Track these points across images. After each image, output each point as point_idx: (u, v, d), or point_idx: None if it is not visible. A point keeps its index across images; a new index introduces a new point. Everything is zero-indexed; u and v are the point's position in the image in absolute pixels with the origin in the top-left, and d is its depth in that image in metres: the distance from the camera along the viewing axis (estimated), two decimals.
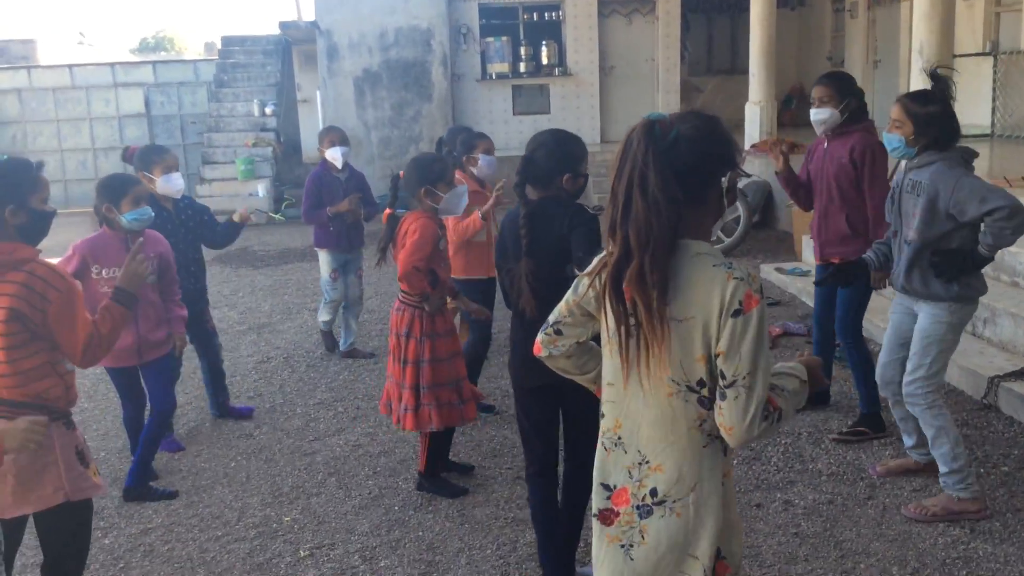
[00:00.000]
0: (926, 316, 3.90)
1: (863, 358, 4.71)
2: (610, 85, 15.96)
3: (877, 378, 4.21)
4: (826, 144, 4.76)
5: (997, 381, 5.01)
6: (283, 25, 15.57)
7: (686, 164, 2.01)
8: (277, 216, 14.55)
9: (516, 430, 3.85)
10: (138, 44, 57.47)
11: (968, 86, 12.16)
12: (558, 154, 3.29)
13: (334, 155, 6.37)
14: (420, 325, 4.22)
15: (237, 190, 14.91)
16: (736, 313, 1.94)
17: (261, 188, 14.84)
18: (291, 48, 17.29)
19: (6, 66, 18.51)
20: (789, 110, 16.77)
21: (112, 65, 18.53)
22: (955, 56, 11.93)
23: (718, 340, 1.97)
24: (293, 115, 17.55)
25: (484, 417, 5.22)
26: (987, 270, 6.11)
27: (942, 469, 3.92)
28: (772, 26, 11.61)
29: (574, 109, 15.75)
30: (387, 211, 4.44)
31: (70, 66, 18.45)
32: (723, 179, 2.09)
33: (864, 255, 4.16)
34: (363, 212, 6.49)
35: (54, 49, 24.18)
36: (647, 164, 1.96)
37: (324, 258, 6.53)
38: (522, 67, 15.68)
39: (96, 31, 60.94)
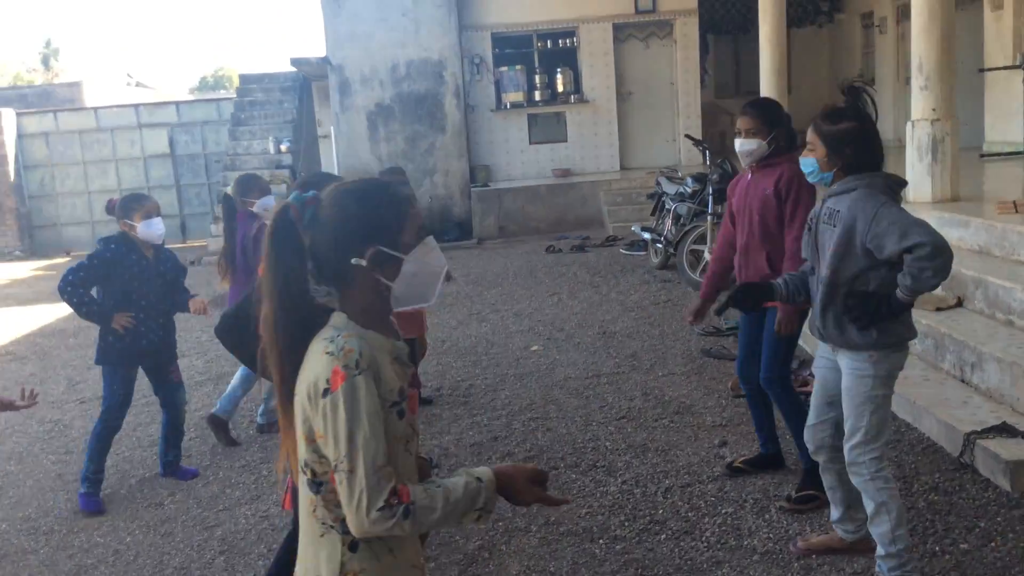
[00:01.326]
0: (848, 372, 3.41)
1: (795, 408, 4.24)
2: (628, 111, 15.55)
3: (807, 442, 3.71)
4: (750, 175, 4.32)
5: (974, 438, 4.44)
6: (295, 61, 15.49)
7: (322, 243, 1.94)
8: None
9: None
10: (198, 83, 58.98)
11: (998, 101, 11.50)
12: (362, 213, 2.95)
13: (266, 206, 5.91)
14: None
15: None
16: (325, 393, 1.82)
17: None
18: (310, 84, 17.25)
19: (32, 110, 18.79)
20: None
21: (136, 107, 18.73)
22: (980, 70, 11.34)
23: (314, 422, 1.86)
24: (314, 151, 17.47)
25: None
26: (981, 306, 5.62)
27: (879, 551, 3.41)
28: (782, 45, 11.08)
29: (592, 136, 15.36)
30: None
31: (95, 109, 18.69)
32: (359, 260, 1.92)
33: (772, 280, 3.69)
34: None
35: (102, 91, 24.67)
36: (269, 250, 1.93)
37: None
38: (537, 95, 15.36)
39: (155, 72, 62.49)
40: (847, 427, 3.44)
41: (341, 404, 1.80)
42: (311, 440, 1.86)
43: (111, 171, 18.18)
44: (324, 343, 1.87)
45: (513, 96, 15.31)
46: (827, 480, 3.68)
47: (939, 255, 3.10)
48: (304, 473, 1.90)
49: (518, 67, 15.29)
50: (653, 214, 10.85)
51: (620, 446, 5.13)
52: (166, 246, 5.20)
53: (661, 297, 8.76)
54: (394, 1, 14.78)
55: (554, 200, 14.51)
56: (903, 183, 3.46)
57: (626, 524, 4.19)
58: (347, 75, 14.86)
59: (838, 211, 3.32)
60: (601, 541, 4.06)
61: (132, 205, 4.94)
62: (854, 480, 3.47)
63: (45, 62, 48.77)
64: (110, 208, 4.99)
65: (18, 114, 18.17)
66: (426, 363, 7.09)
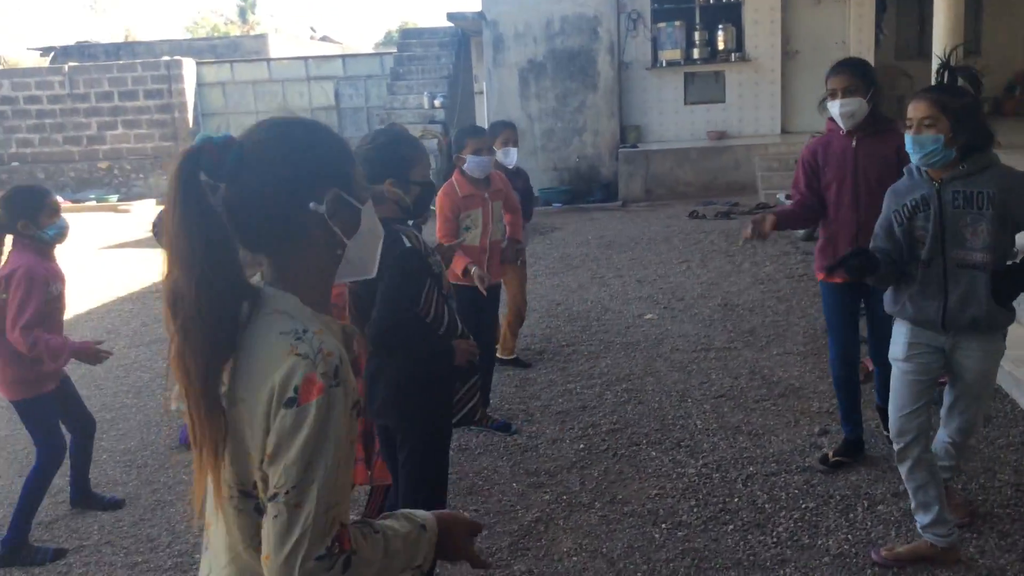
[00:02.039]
0: (982, 354, 3.19)
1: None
2: (793, 71, 14.70)
3: (898, 433, 3.33)
4: (854, 143, 3.91)
5: None
6: (451, 16, 15.53)
7: (255, 193, 1.49)
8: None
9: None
10: (383, 38, 60.62)
11: None
12: (380, 156, 2.80)
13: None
14: None
15: None
16: (289, 403, 1.39)
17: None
18: (468, 40, 17.28)
19: (211, 60, 19.76)
20: (1012, 98, 14.82)
21: (305, 59, 19.36)
22: None
23: (267, 434, 1.41)
24: (469, 106, 17.54)
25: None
26: None
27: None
28: (960, 3, 10.10)
29: (752, 97, 14.64)
30: None
31: (267, 60, 19.46)
32: (317, 205, 1.52)
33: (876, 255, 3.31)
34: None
35: (286, 44, 25.74)
36: (176, 204, 1.44)
37: None
38: (696, 53, 14.73)
39: (343, 26, 64.72)
40: (968, 415, 3.29)
41: (309, 422, 1.38)
42: (259, 457, 1.43)
43: None
44: (287, 338, 1.43)
45: (670, 54, 14.76)
46: (918, 478, 3.31)
47: None
48: (250, 496, 1.47)
49: (677, 23, 14.70)
50: None
51: (711, 426, 4.85)
52: None
53: (797, 271, 8.25)
54: None
55: (705, 163, 13.97)
56: None
57: (695, 510, 3.94)
58: (501, 31, 14.76)
59: (981, 192, 3.05)
60: (664, 525, 3.84)
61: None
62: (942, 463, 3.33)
63: (242, 15, 51.17)
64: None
65: (198, 64, 19.17)
66: (534, 324, 6.99)
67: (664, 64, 14.76)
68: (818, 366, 5.64)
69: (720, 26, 14.65)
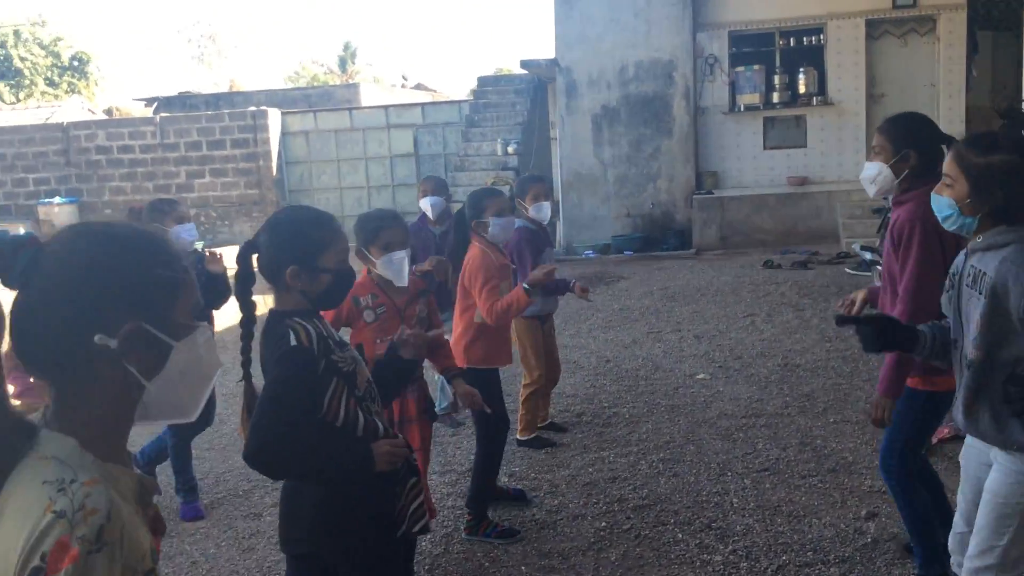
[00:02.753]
0: (1002, 472, 2.58)
1: (915, 507, 3.37)
2: (879, 114, 14.03)
3: (950, 551, 2.87)
4: (891, 210, 3.50)
5: None
6: (525, 63, 15.49)
7: (37, 310, 1.29)
8: None
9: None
10: (476, 83, 61.52)
11: None
12: (279, 240, 2.43)
13: (425, 206, 5.89)
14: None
15: None
16: (35, 572, 1.15)
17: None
18: (544, 86, 17.21)
19: (296, 110, 20.20)
20: None
21: (386, 108, 19.59)
22: None
23: None
24: (546, 153, 17.43)
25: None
26: None
27: None
28: None
29: (835, 142, 14.10)
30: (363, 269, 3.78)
31: (349, 109, 19.78)
32: (105, 338, 1.29)
33: (919, 326, 2.80)
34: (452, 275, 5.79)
35: (378, 93, 26.26)
36: None
37: None
38: (775, 97, 14.33)
39: (438, 73, 65.91)
40: (976, 541, 2.64)
41: None
42: None
43: (361, 168, 19.15)
44: (46, 489, 1.20)
45: (748, 98, 14.38)
46: None
47: None
48: None
49: (756, 67, 14.34)
50: (879, 231, 9.65)
51: (748, 505, 4.45)
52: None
53: None
54: (626, 1, 14.34)
55: (784, 210, 13.47)
56: None
57: None
58: (574, 77, 14.62)
59: (984, 273, 2.53)
60: None
61: (164, 209, 4.71)
62: None
63: (342, 65, 52.52)
64: (136, 215, 4.78)
65: (283, 113, 19.61)
66: (578, 384, 6.69)
67: (742, 108, 14.39)
68: (876, 437, 5.16)
69: (801, 69, 14.23)
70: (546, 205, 5.35)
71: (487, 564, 4.06)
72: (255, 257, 2.46)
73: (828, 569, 3.77)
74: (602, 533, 4.26)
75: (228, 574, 4.17)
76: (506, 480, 4.98)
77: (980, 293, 2.53)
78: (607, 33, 14.41)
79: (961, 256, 2.72)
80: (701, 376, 6.69)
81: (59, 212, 18.53)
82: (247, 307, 2.41)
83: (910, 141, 3.30)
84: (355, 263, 3.31)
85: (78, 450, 1.26)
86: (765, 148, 14.45)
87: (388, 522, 2.45)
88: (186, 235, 4.73)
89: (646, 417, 5.88)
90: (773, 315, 8.53)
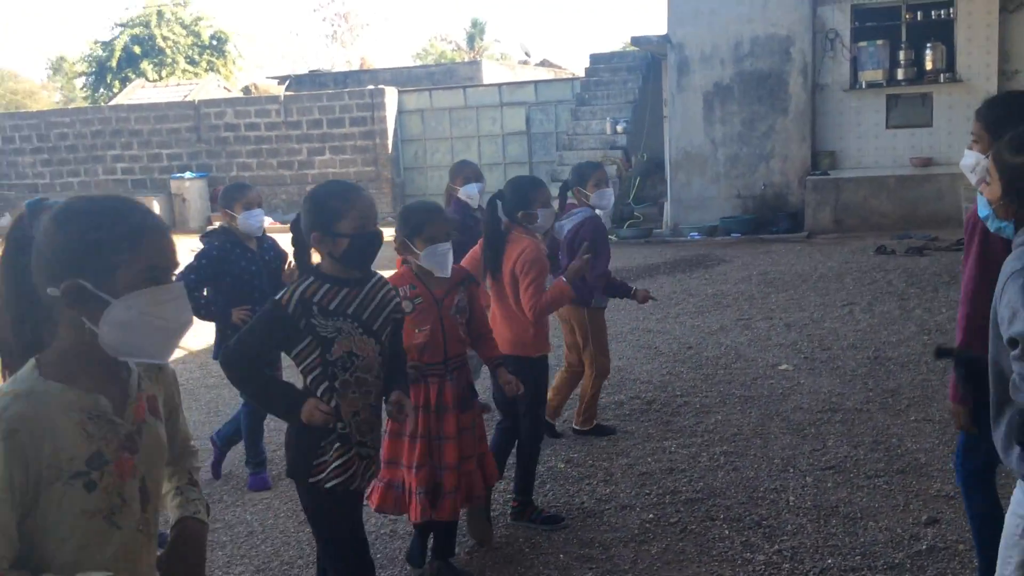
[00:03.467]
0: (1015, 501, 2.39)
1: (986, 522, 3.15)
2: None
3: None
4: None
5: None
6: (635, 40, 15.23)
7: (32, 263, 1.68)
8: (613, 237, 14.26)
9: None
10: (588, 61, 60.97)
11: None
12: (307, 209, 2.87)
13: (470, 193, 5.71)
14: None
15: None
16: None
17: None
18: (658, 63, 16.90)
19: (411, 88, 20.52)
20: None
21: (499, 86, 19.69)
22: None
23: None
24: (658, 131, 17.15)
25: None
26: None
27: None
28: None
29: (963, 121, 13.27)
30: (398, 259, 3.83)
31: (464, 87, 19.96)
32: (54, 291, 1.64)
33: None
34: None
35: (499, 70, 26.46)
36: (5, 260, 1.73)
37: None
38: (900, 74, 13.62)
39: (563, 49, 65.51)
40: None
41: None
42: None
43: (474, 146, 19.33)
44: None
45: (871, 75, 13.72)
46: None
47: None
48: None
49: (879, 42, 13.65)
50: None
51: (805, 504, 4.30)
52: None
53: None
54: None
55: (904, 193, 12.83)
56: None
57: None
58: (687, 53, 14.28)
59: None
60: None
61: (234, 195, 4.85)
62: None
63: (470, 41, 52.80)
64: (214, 197, 5.01)
65: (400, 92, 19.96)
66: (654, 371, 6.60)
67: (864, 85, 13.76)
68: (956, 437, 4.89)
69: (928, 44, 13.48)
70: (608, 192, 5.22)
71: (527, 550, 4.07)
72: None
73: (874, 575, 3.61)
74: (648, 525, 4.21)
75: (281, 544, 4.33)
76: (563, 466, 4.97)
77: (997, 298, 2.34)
78: (722, 7, 13.99)
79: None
80: (784, 367, 6.49)
81: (190, 186, 19.47)
82: (303, 266, 2.90)
83: (1009, 127, 3.04)
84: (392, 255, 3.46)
85: (31, 368, 1.63)
86: (887, 127, 13.78)
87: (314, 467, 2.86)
88: (253, 221, 4.87)
89: (717, 407, 5.75)
90: (874, 304, 8.17)
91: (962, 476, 3.23)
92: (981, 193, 2.51)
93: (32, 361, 1.65)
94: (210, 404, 6.76)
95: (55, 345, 1.68)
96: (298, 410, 2.76)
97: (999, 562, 2.41)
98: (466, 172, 5.73)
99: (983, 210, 2.49)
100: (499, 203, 4.23)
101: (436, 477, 3.64)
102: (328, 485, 2.84)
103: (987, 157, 3.04)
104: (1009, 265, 2.27)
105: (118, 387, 1.70)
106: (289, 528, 4.49)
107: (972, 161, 3.18)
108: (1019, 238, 2.35)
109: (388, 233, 3.17)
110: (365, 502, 3.81)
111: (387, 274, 3.30)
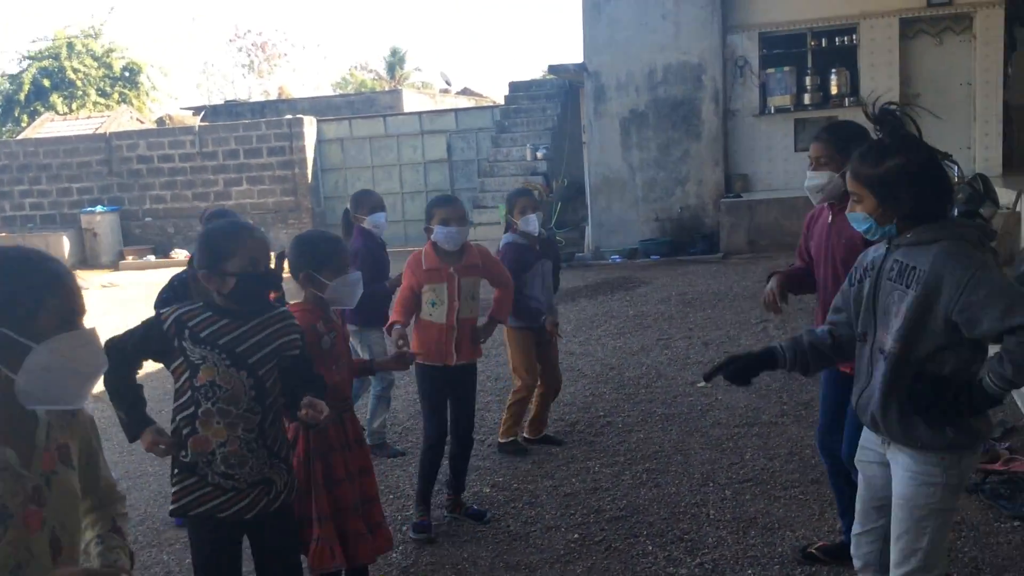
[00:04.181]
0: (909, 477, 2.59)
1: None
2: (914, 115, 13.77)
3: (852, 555, 2.89)
4: (830, 217, 3.49)
5: None
6: (553, 68, 15.46)
7: None
8: None
9: None
10: (508, 89, 61.36)
11: None
12: (199, 246, 2.88)
13: (376, 222, 5.58)
14: (306, 441, 3.41)
15: (500, 234, 14.97)
16: None
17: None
18: (576, 91, 17.17)
19: (330, 118, 20.43)
20: None
21: (420, 115, 19.73)
22: None
23: None
24: (578, 157, 17.39)
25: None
26: None
27: None
28: None
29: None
30: (272, 294, 3.75)
31: (383, 116, 19.94)
32: None
33: (775, 344, 2.97)
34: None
35: (419, 99, 26.47)
36: None
37: (376, 337, 5.58)
38: (807, 99, 14.10)
39: (487, 78, 65.90)
40: (898, 548, 2.64)
41: None
42: None
43: (395, 175, 19.30)
44: None
45: (779, 100, 14.18)
46: None
47: None
48: None
49: (786, 68, 14.12)
50: None
51: (725, 517, 4.39)
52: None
53: None
54: (655, 4, 14.23)
55: None
56: (993, 234, 2.56)
57: None
58: (603, 81, 14.55)
59: (913, 268, 2.52)
60: None
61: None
62: None
63: (390, 70, 52.70)
64: (201, 222, 5.18)
65: (319, 121, 19.84)
66: (577, 393, 6.66)
67: (773, 111, 14.20)
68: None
69: (833, 70, 13.98)
70: (533, 218, 5.33)
71: None
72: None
73: None
74: (573, 545, 4.24)
75: None
76: (488, 491, 4.98)
77: (907, 286, 2.52)
78: (635, 37, 14.31)
79: (877, 251, 2.69)
80: (701, 384, 6.62)
81: (101, 221, 18.99)
82: (199, 294, 2.93)
83: (853, 150, 3.28)
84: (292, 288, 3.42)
85: None
86: (796, 150, 14.21)
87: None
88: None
89: (639, 426, 5.83)
90: (788, 321, 8.39)
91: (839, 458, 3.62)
92: (853, 212, 2.66)
93: None
94: (123, 443, 6.54)
95: None
96: (139, 432, 2.86)
97: (909, 537, 2.56)
98: (371, 202, 5.68)
99: (862, 225, 2.64)
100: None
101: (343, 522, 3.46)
102: (190, 514, 2.88)
103: (840, 174, 3.31)
104: (963, 262, 2.43)
105: (25, 438, 1.67)
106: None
107: (824, 180, 3.42)
108: (934, 232, 2.52)
109: None
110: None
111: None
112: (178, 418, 2.85)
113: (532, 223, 5.40)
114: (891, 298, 2.56)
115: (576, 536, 4.32)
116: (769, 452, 5.17)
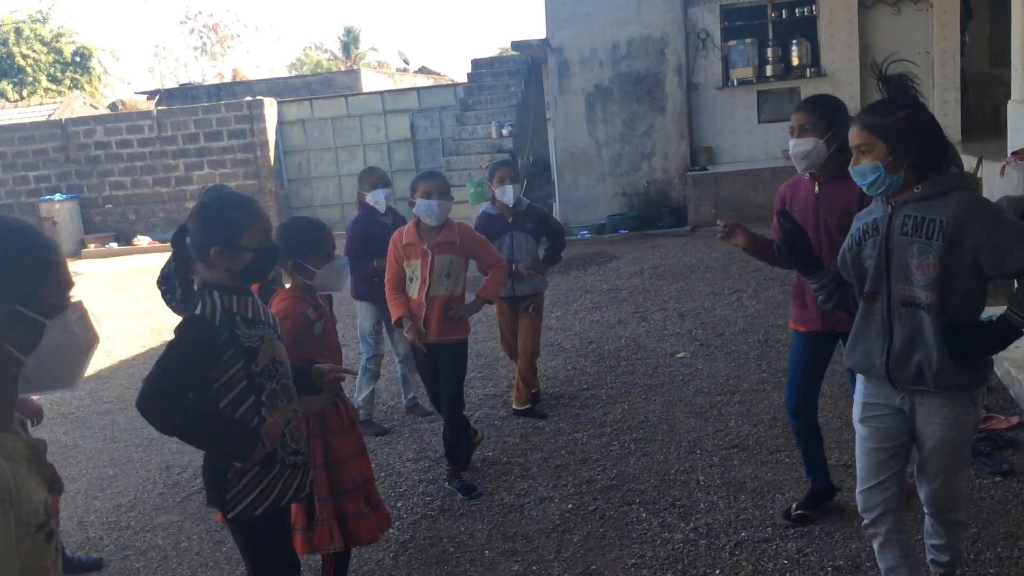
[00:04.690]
0: (947, 420, 2.75)
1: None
2: (873, 85, 13.68)
3: (861, 510, 2.99)
4: (816, 188, 3.56)
5: None
6: (516, 45, 15.41)
7: None
8: None
9: None
10: (470, 66, 61.03)
11: None
12: (204, 221, 2.67)
13: (376, 199, 5.76)
14: (307, 423, 3.39)
15: (469, 213, 14.95)
16: None
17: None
18: (539, 67, 17.14)
19: (291, 99, 20.20)
20: None
21: (382, 94, 19.59)
22: None
23: None
24: (543, 134, 17.39)
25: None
26: None
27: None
28: None
29: None
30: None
31: (345, 96, 19.77)
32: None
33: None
34: None
35: (378, 78, 26.24)
36: None
37: (367, 310, 5.80)
38: (769, 71, 14.23)
39: (443, 56, 65.58)
40: (936, 486, 2.86)
41: None
42: None
43: (359, 155, 19.15)
44: None
45: (742, 72, 14.30)
46: (888, 559, 2.94)
47: None
48: None
49: (748, 40, 14.24)
50: None
51: (714, 482, 4.48)
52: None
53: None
54: None
55: (778, 184, 13.29)
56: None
57: None
58: (566, 57, 14.55)
59: (933, 220, 2.63)
60: None
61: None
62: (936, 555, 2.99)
63: (345, 50, 52.04)
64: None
65: (279, 103, 19.62)
66: (559, 366, 6.72)
67: (736, 83, 14.31)
68: (847, 411, 5.17)
69: (794, 41, 14.11)
70: (510, 188, 5.40)
71: (451, 549, 4.10)
72: (187, 239, 2.70)
73: (786, 544, 3.80)
74: (568, 515, 4.30)
75: (198, 566, 4.23)
76: (479, 464, 5.03)
77: (928, 238, 2.62)
78: (597, 11, 14.31)
79: (874, 212, 2.77)
80: (681, 355, 6.71)
81: (60, 209, 18.66)
82: (185, 284, 2.73)
83: (835, 119, 3.42)
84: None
85: None
86: (760, 122, 14.38)
87: (246, 493, 2.73)
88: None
89: (623, 398, 5.90)
90: (760, 290, 8.53)
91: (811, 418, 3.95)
92: (859, 164, 2.72)
93: None
94: (104, 431, 6.51)
95: None
96: (255, 445, 2.62)
97: (951, 479, 2.85)
98: (373, 178, 5.74)
99: (870, 175, 2.70)
100: None
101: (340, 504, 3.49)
102: (257, 512, 2.72)
103: (824, 140, 3.38)
104: (984, 209, 2.63)
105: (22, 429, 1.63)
106: (204, 549, 4.39)
107: (809, 146, 3.49)
108: (947, 183, 2.66)
109: None
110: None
111: None
112: (236, 415, 2.67)
113: (507, 194, 5.48)
114: (908, 252, 2.66)
115: (570, 506, 4.39)
116: (752, 419, 5.26)
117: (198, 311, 2.61)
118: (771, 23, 14.27)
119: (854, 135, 2.71)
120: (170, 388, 2.52)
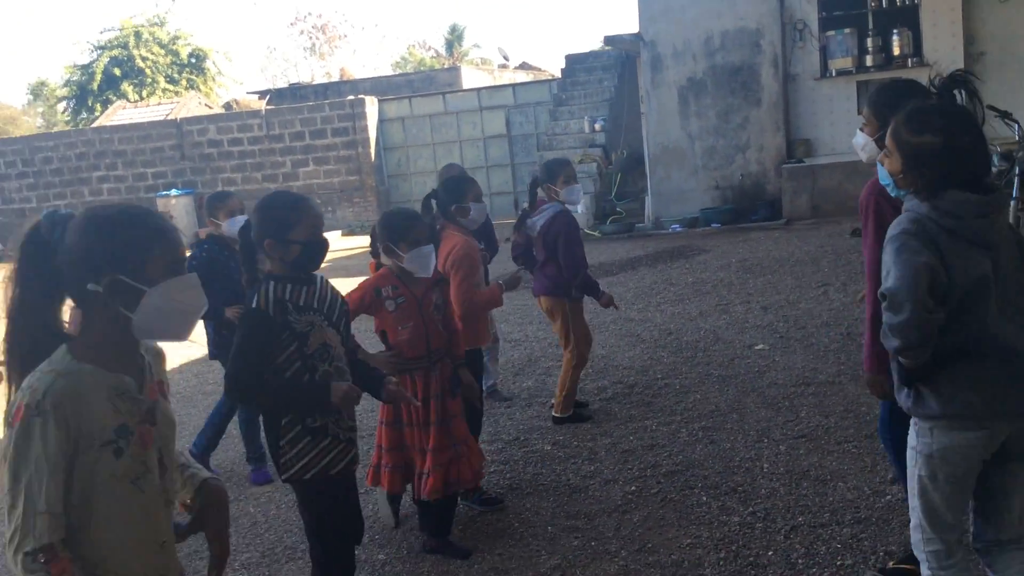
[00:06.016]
0: (909, 438, 2.78)
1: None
2: (979, 74, 13.40)
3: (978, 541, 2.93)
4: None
5: None
6: (608, 39, 15.48)
7: (62, 264, 1.90)
8: (595, 233, 14.52)
9: None
10: (564, 62, 60.85)
11: None
12: (258, 217, 3.04)
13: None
14: (425, 385, 3.97)
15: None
16: (8, 424, 1.82)
17: (580, 205, 14.86)
18: (633, 61, 17.16)
19: (391, 97, 20.73)
20: None
21: (478, 91, 19.94)
22: None
23: None
24: (636, 128, 17.40)
25: None
26: None
27: None
28: None
29: None
30: (371, 262, 4.24)
31: (443, 94, 20.20)
32: (95, 286, 1.86)
33: None
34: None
35: (478, 75, 26.70)
36: (16, 268, 1.91)
37: None
38: (868, 60, 13.89)
39: (544, 51, 65.88)
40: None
41: (12, 440, 1.80)
42: None
43: (455, 151, 19.55)
44: (31, 374, 1.86)
45: (840, 62, 14.00)
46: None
47: (895, 310, 2.47)
48: None
49: (847, 30, 13.93)
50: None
51: (778, 470, 4.54)
52: None
53: None
54: None
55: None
56: (984, 208, 2.51)
57: (721, 563, 3.70)
58: (659, 50, 14.54)
59: None
60: None
61: (217, 203, 5.12)
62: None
63: (449, 48, 52.73)
64: (199, 205, 5.28)
65: (380, 101, 20.18)
66: (636, 356, 6.84)
67: (834, 73, 14.03)
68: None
69: (895, 30, 13.74)
70: (577, 188, 5.43)
71: (516, 524, 4.30)
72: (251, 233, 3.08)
73: (842, 530, 3.85)
74: (630, 496, 4.44)
75: (283, 532, 4.55)
76: (549, 448, 5.21)
77: None
78: (691, 4, 14.25)
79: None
80: (760, 347, 6.73)
81: (176, 204, 19.63)
82: (251, 272, 3.09)
83: (894, 112, 3.30)
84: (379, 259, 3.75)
85: (64, 353, 1.87)
86: (859, 113, 14.03)
87: (312, 459, 3.05)
88: (235, 226, 4.78)
89: (696, 387, 5.99)
90: (848, 284, 8.43)
91: (891, 445, 3.47)
92: (882, 164, 2.76)
93: (63, 347, 1.89)
94: (207, 409, 6.92)
95: (84, 333, 1.92)
96: (327, 396, 2.93)
97: (909, 494, 2.71)
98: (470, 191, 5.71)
99: (884, 179, 2.75)
100: (433, 201, 4.54)
101: (421, 460, 3.95)
102: (307, 476, 3.04)
103: (875, 139, 3.30)
104: (891, 229, 2.57)
105: (137, 370, 1.97)
106: (291, 517, 4.71)
107: (862, 141, 3.42)
108: (906, 204, 2.63)
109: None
110: (374, 487, 4.10)
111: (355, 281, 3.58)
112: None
113: (576, 192, 5.44)
114: None
115: (633, 488, 4.53)
116: (824, 410, 5.28)
117: (254, 304, 2.96)
118: (871, 12, 13.91)
119: (887, 135, 2.71)
120: (244, 375, 2.90)
